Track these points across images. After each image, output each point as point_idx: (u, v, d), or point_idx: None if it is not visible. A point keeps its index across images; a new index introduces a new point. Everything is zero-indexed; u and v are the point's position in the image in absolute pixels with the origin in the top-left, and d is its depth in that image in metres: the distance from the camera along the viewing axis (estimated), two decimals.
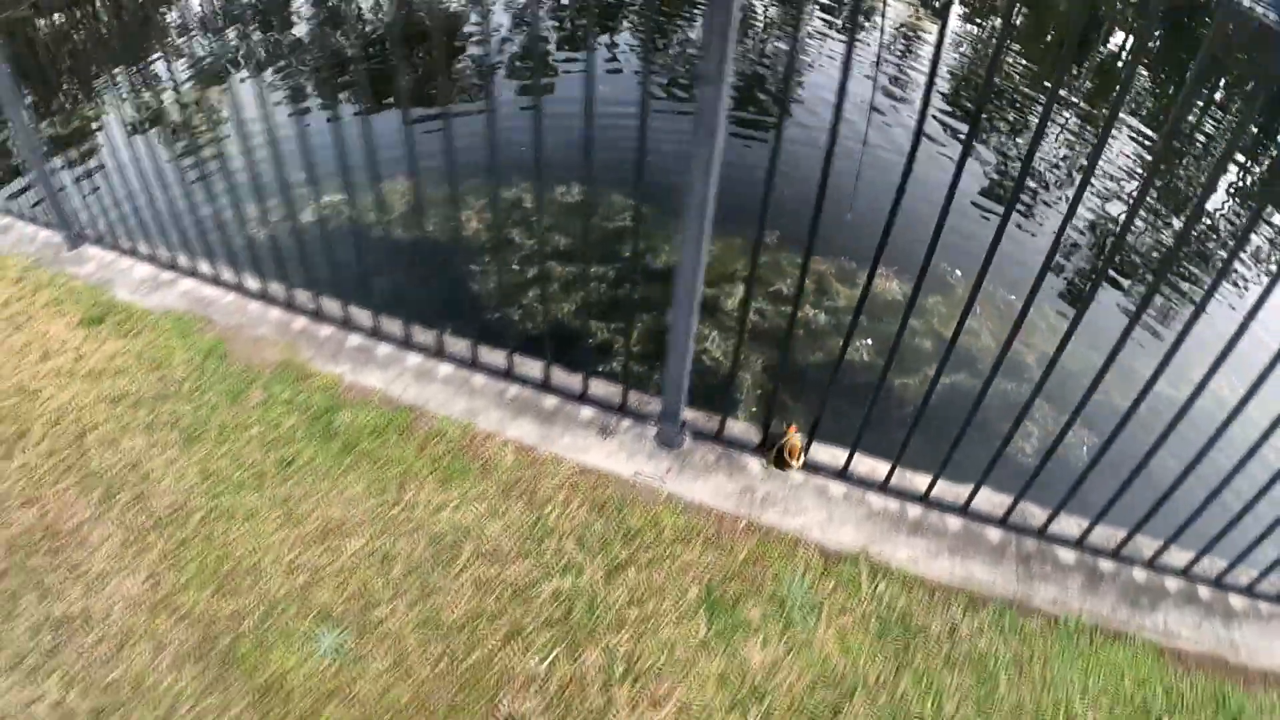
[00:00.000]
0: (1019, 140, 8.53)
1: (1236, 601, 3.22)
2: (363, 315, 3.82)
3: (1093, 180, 7.65)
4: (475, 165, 3.40)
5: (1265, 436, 2.74)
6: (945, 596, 3.10)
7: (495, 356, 3.66)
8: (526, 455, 3.31)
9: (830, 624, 2.98)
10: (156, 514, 3.19)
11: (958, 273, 5.92)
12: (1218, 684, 3.03)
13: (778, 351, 4.90)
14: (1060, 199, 7.63)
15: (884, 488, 3.23)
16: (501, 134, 3.06)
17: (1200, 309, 2.59)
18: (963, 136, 8.12)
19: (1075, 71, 10.66)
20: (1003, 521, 3.18)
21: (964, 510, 3.19)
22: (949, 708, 2.86)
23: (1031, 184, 7.70)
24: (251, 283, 4.00)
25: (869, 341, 5.50)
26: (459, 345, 3.71)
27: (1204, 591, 3.21)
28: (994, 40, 10.81)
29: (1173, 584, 3.21)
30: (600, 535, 3.09)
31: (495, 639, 2.85)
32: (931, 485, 3.20)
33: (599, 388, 3.57)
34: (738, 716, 2.75)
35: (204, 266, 4.10)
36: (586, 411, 3.48)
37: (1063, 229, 2.56)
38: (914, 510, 3.23)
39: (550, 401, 3.50)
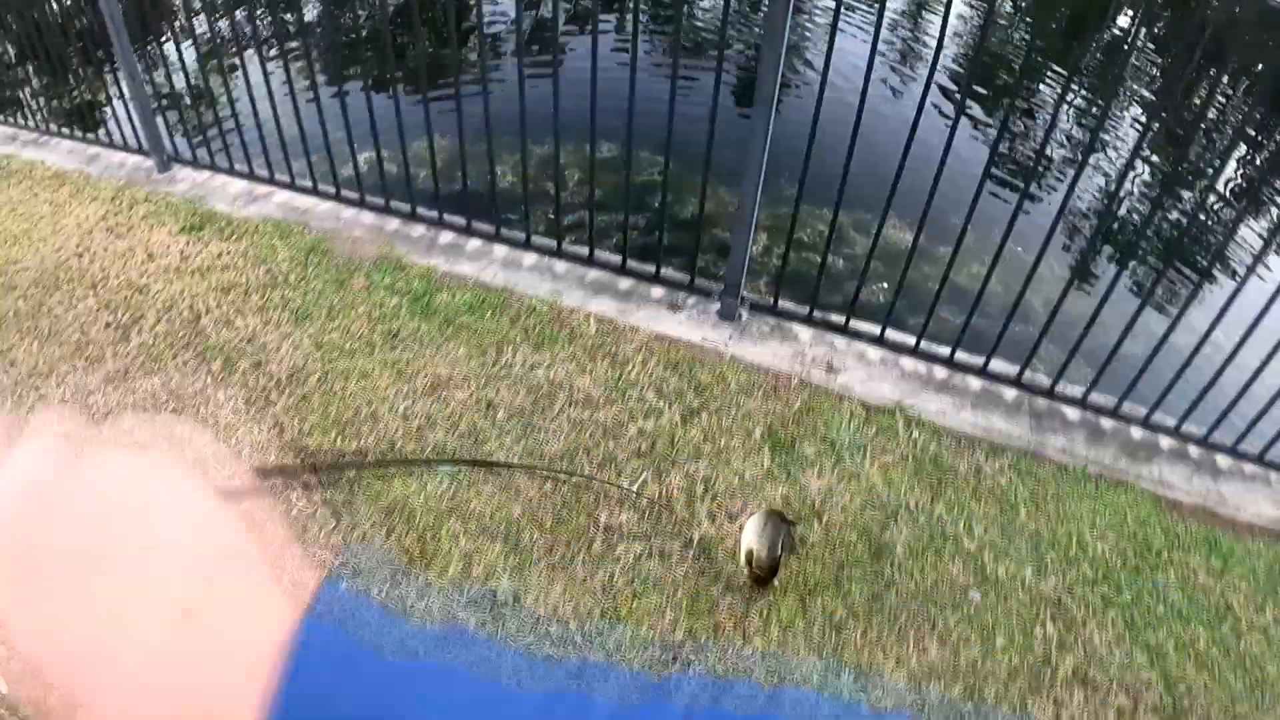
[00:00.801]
0: (1033, 115, 9.24)
1: (1222, 461, 3.68)
2: (453, 218, 4.27)
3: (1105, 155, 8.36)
4: (507, 125, 3.87)
5: (1231, 300, 3.29)
6: (970, 443, 3.59)
7: (576, 247, 4.11)
8: (607, 325, 3.76)
9: (874, 461, 3.46)
10: (276, 377, 3.60)
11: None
12: (1209, 529, 3.51)
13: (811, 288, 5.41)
14: (1068, 173, 8.30)
15: (914, 352, 3.71)
16: (530, 99, 3.63)
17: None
18: (970, 108, 8.76)
19: (1081, 48, 11.34)
20: (1016, 382, 3.67)
21: (983, 372, 3.68)
22: (978, 530, 3.33)
23: (1046, 158, 8.35)
24: (347, 192, 4.44)
25: (884, 284, 6.05)
26: (541, 241, 4.19)
27: (1193, 450, 3.69)
28: (996, 17, 11.54)
29: (1165, 442, 3.70)
30: (675, 388, 3.55)
31: (591, 466, 3.30)
32: (954, 350, 3.69)
33: (668, 272, 4.03)
34: (802, 528, 3.22)
35: (300, 181, 4.53)
36: (658, 291, 3.92)
37: (1028, 183, 3.12)
38: (940, 372, 3.72)
39: (625, 283, 3.94)
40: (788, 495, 3.27)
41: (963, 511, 3.34)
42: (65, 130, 5.20)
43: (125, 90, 4.58)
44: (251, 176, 4.55)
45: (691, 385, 3.55)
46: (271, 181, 4.50)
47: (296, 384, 3.54)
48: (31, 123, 5.33)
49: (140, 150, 4.78)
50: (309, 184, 4.47)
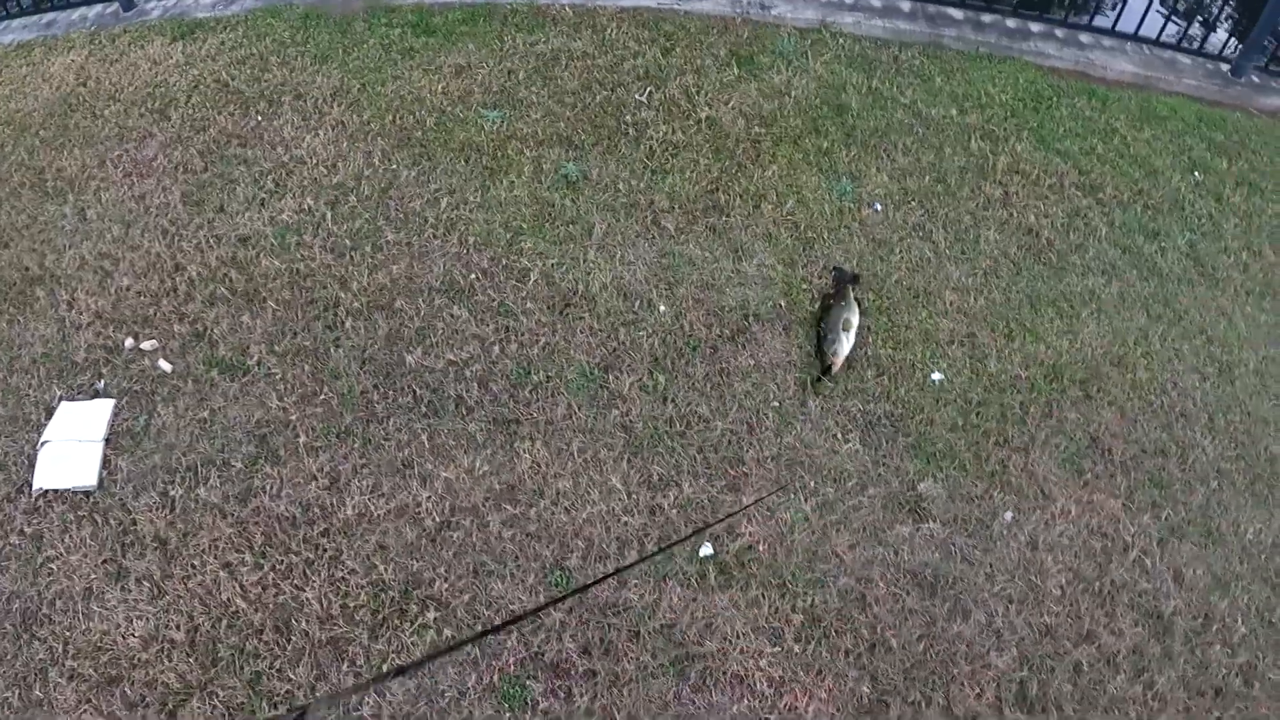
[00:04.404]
0: None
1: (1084, 37, 4.61)
2: None
3: None
4: None
5: None
6: (884, 43, 4.42)
7: None
8: (580, 8, 4.38)
9: (815, 60, 4.25)
10: (319, 100, 4.09)
11: None
12: (1085, 84, 4.37)
13: None
14: None
15: None
16: None
17: None
18: None
19: None
20: None
21: None
22: (908, 93, 4.16)
23: None
24: None
25: None
26: None
27: (1059, 31, 4.61)
28: None
29: (1036, 26, 4.65)
30: (649, 36, 4.25)
31: (606, 90, 3.97)
32: None
33: None
34: (777, 105, 4.02)
35: None
36: None
37: None
38: None
39: None
40: (760, 88, 4.08)
41: (893, 84, 4.20)
42: (13, 10, 5.43)
43: None
44: None
45: (661, 33, 4.29)
46: None
47: (341, 98, 4.09)
48: None
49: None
50: None
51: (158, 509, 2.93)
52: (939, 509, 2.88)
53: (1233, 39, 4.85)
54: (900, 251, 3.50)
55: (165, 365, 3.32)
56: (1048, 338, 3.34)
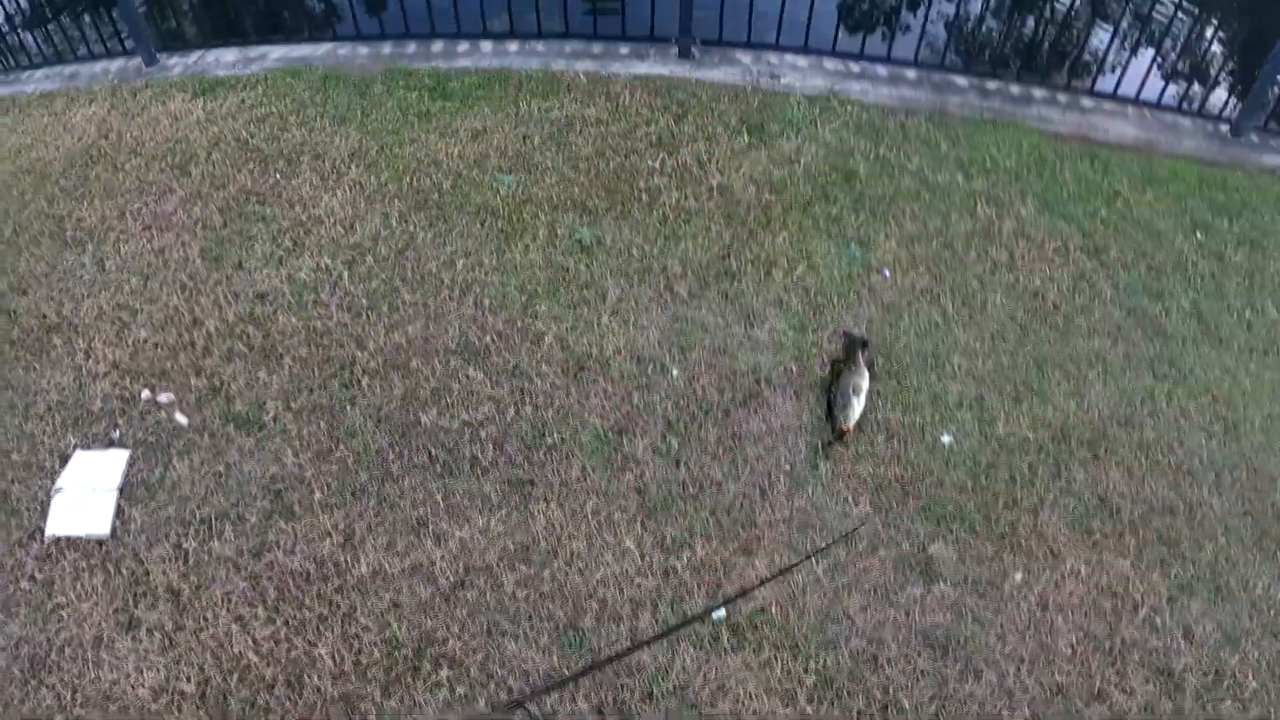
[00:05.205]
0: None
1: (1086, 101, 4.76)
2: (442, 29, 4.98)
3: None
4: None
5: None
6: (890, 110, 4.57)
7: (552, 25, 4.88)
8: (594, 76, 4.55)
9: (824, 128, 4.39)
10: (337, 160, 4.22)
11: None
12: (1087, 147, 4.48)
13: None
14: None
15: (833, 54, 4.78)
16: None
17: None
18: None
19: None
20: (915, 63, 4.80)
21: (887, 60, 4.79)
22: (915, 159, 4.27)
23: None
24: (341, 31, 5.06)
25: None
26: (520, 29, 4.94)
27: (1061, 96, 4.76)
28: None
29: (1039, 92, 4.77)
30: (662, 104, 4.39)
31: (620, 157, 4.09)
32: (862, 46, 4.78)
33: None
34: (787, 172, 4.16)
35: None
36: (624, 48, 4.75)
37: None
38: (855, 66, 4.72)
39: (598, 47, 4.73)
40: (770, 155, 4.21)
41: (900, 150, 4.32)
42: (36, 60, 5.58)
43: None
44: (243, 43, 5.15)
45: (674, 101, 4.44)
46: (264, 42, 5.11)
47: (359, 159, 4.21)
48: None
49: (124, 52, 5.27)
50: (303, 34, 5.11)
51: (171, 560, 2.96)
52: (950, 570, 2.92)
53: (1232, 98, 5.00)
54: (909, 316, 3.59)
55: (181, 418, 3.37)
56: (1055, 399, 3.41)
